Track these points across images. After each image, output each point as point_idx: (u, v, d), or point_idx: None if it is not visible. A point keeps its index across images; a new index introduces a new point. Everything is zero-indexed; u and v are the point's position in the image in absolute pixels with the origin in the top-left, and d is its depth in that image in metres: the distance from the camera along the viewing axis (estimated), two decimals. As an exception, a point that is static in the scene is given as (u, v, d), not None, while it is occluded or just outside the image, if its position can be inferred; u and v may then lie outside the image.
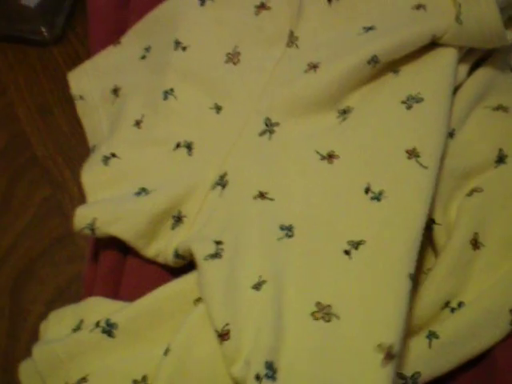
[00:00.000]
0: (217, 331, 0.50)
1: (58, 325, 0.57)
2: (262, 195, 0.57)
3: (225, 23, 0.65)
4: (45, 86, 0.74)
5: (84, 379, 0.51)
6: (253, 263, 0.54)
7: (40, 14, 0.74)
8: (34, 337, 0.60)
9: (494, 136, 0.60)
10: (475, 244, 0.56)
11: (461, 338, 0.53)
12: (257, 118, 0.60)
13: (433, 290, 0.54)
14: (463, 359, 0.53)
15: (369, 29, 0.62)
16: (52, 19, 0.75)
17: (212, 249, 0.53)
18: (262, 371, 0.48)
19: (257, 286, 0.52)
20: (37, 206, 0.67)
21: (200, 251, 0.53)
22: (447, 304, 0.54)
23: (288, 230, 0.55)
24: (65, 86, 0.71)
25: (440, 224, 0.56)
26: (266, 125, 0.60)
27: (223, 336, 0.50)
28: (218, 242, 0.54)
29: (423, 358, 0.52)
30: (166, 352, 0.51)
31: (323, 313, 0.51)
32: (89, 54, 0.72)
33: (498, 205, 0.57)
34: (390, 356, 0.48)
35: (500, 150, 0.59)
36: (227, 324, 0.50)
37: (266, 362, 0.48)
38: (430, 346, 0.52)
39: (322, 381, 0.49)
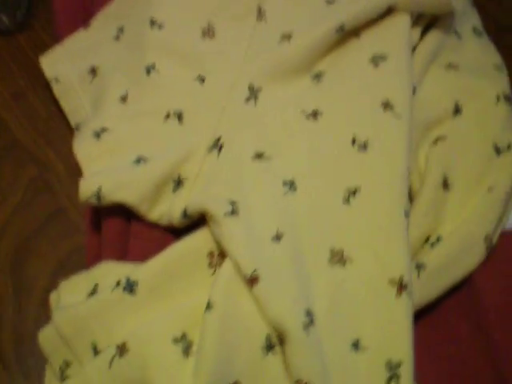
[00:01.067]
0: (246, 277, 0.54)
1: (70, 292, 0.59)
2: (259, 156, 0.62)
3: (196, 1, 0.70)
4: (15, 72, 0.75)
5: (124, 346, 0.53)
6: (267, 218, 0.58)
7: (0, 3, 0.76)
8: (42, 309, 0.63)
9: (449, 91, 0.68)
10: (446, 185, 0.63)
11: (444, 266, 0.60)
12: (240, 85, 0.65)
13: (414, 228, 0.60)
14: (448, 285, 0.60)
15: (330, 2, 0.68)
16: (13, 8, 0.76)
17: (228, 207, 0.57)
18: (306, 319, 0.53)
19: (276, 238, 0.57)
20: (25, 186, 0.68)
21: (217, 210, 0.57)
22: (428, 239, 0.61)
23: (291, 185, 0.60)
24: (35, 71, 0.73)
25: (412, 170, 0.63)
26: (250, 91, 0.65)
27: (253, 281, 0.54)
28: (232, 202, 0.58)
29: (414, 288, 0.58)
30: (209, 307, 0.54)
31: (338, 257, 0.57)
32: (54, 39, 0.74)
33: (461, 150, 0.65)
34: (402, 287, 0.55)
35: (455, 102, 0.67)
36: (255, 270, 0.54)
37: (306, 310, 0.54)
38: (418, 276, 0.59)
39: (350, 319, 0.55)
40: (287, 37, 0.66)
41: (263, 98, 0.64)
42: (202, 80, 0.66)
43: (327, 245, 0.58)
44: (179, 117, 0.64)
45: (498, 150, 0.65)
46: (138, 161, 0.62)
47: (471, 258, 0.61)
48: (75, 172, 0.67)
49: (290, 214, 0.59)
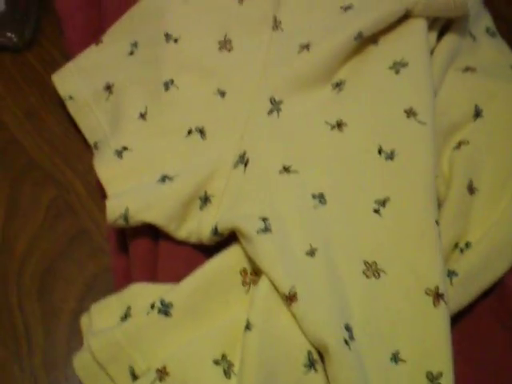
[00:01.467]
0: (284, 295, 0.54)
1: (102, 315, 0.59)
2: (286, 169, 0.61)
3: (211, 13, 0.69)
4: (26, 90, 0.74)
5: (164, 369, 0.53)
6: (299, 233, 0.58)
7: (7, 21, 0.74)
8: (72, 333, 0.62)
9: (468, 94, 0.67)
10: (471, 189, 0.63)
11: (476, 272, 0.60)
12: (262, 98, 0.64)
13: (443, 235, 0.59)
14: (480, 291, 0.60)
15: (347, 8, 0.68)
16: (20, 24, 0.75)
17: (261, 224, 0.57)
18: (346, 334, 0.53)
19: (310, 253, 0.57)
20: (45, 208, 0.67)
21: (249, 228, 0.56)
22: (456, 245, 0.61)
23: (320, 198, 0.60)
24: (46, 88, 0.73)
25: (437, 176, 0.63)
26: (272, 103, 0.64)
27: (291, 298, 0.53)
28: (264, 219, 0.58)
29: (448, 295, 0.58)
30: (248, 327, 0.53)
31: (372, 270, 0.57)
32: (64, 55, 0.74)
33: (484, 153, 0.65)
34: (439, 296, 0.55)
35: (475, 105, 0.67)
36: (292, 287, 0.54)
37: (345, 325, 0.53)
38: (451, 283, 0.59)
39: (387, 331, 0.55)
40: (305, 46, 0.65)
41: (286, 110, 0.64)
42: (222, 94, 0.65)
43: (360, 257, 0.58)
44: (201, 132, 0.63)
45: (521, 152, 0.65)
46: (163, 179, 0.61)
47: (502, 263, 0.61)
48: (95, 191, 0.67)
49: (322, 228, 0.59)
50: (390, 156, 0.61)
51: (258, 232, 0.56)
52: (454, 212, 0.62)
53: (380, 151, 0.61)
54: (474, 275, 0.60)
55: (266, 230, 0.57)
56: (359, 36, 0.65)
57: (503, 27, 0.75)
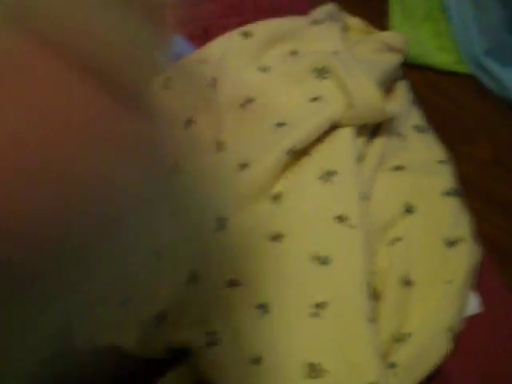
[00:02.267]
0: None
1: None
2: (232, 283, 0.67)
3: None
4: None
5: None
6: (246, 343, 0.63)
7: None
8: None
9: (399, 192, 0.74)
10: (407, 282, 0.69)
11: (415, 361, 0.65)
12: (209, 217, 0.70)
13: (383, 330, 0.66)
14: (420, 379, 0.65)
15: (280, 124, 0.74)
16: None
17: (208, 339, 0.63)
18: None
19: (256, 361, 0.62)
20: None
21: (197, 343, 0.62)
22: (397, 337, 0.66)
23: (264, 308, 0.65)
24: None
25: (374, 272, 0.69)
26: (218, 222, 0.70)
27: None
28: (211, 332, 0.64)
29: (392, 386, 0.63)
30: None
31: (316, 371, 0.62)
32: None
33: (417, 247, 0.71)
34: None
35: (406, 202, 0.73)
36: None
37: None
38: (395, 374, 0.64)
39: None
40: (244, 165, 0.72)
41: (231, 228, 0.70)
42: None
43: (305, 359, 0.63)
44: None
45: (450, 244, 0.71)
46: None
47: (439, 351, 0.66)
48: None
49: (267, 336, 0.64)
50: (325, 261, 0.67)
51: (207, 345, 0.62)
52: (392, 306, 0.67)
53: (315, 258, 0.67)
54: (414, 364, 0.65)
55: (213, 343, 0.63)
56: (291, 151, 0.71)
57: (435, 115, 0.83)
